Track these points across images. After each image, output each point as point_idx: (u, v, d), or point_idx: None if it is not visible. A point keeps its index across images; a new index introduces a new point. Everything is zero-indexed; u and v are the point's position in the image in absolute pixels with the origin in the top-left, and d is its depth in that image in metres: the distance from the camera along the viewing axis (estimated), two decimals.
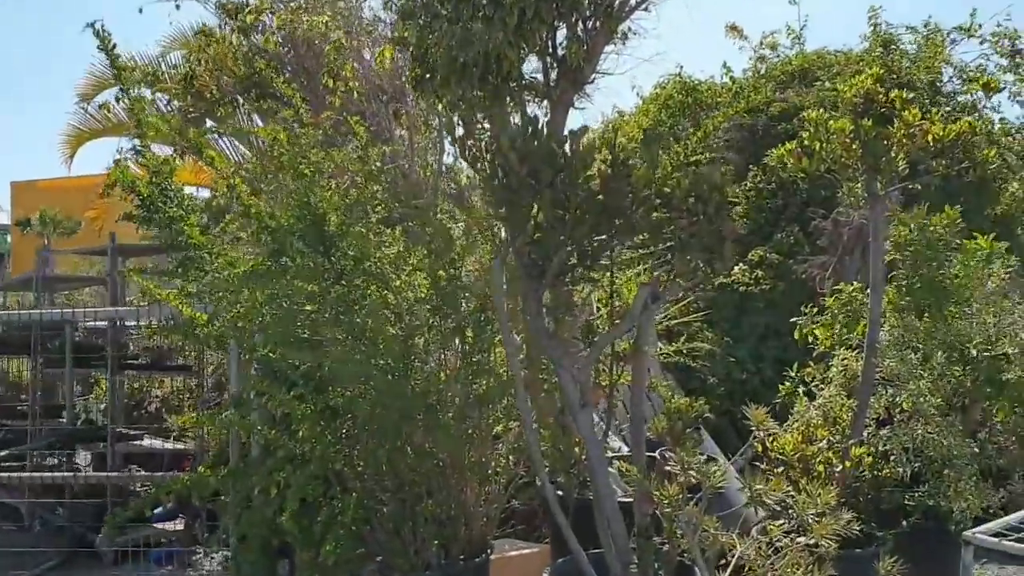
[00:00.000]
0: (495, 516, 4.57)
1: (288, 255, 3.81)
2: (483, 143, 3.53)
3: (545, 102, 4.08)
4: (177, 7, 6.51)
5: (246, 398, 4.10)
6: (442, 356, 4.23)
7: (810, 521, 3.27)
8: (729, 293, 7.85)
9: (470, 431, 4.20)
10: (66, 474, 5.32)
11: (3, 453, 7.06)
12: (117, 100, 5.01)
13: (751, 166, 8.02)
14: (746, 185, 7.98)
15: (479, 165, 3.49)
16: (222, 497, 4.46)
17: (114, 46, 4.48)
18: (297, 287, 3.79)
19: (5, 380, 8.78)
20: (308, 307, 3.90)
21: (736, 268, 8.02)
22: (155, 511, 6.58)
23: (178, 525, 6.72)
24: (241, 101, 6.42)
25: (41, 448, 6.84)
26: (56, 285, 8.87)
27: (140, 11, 6.41)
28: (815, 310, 5.27)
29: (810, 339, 5.15)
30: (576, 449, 4.41)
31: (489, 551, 4.40)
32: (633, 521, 3.55)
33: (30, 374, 7.40)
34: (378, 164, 4.50)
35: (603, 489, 3.58)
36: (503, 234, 3.68)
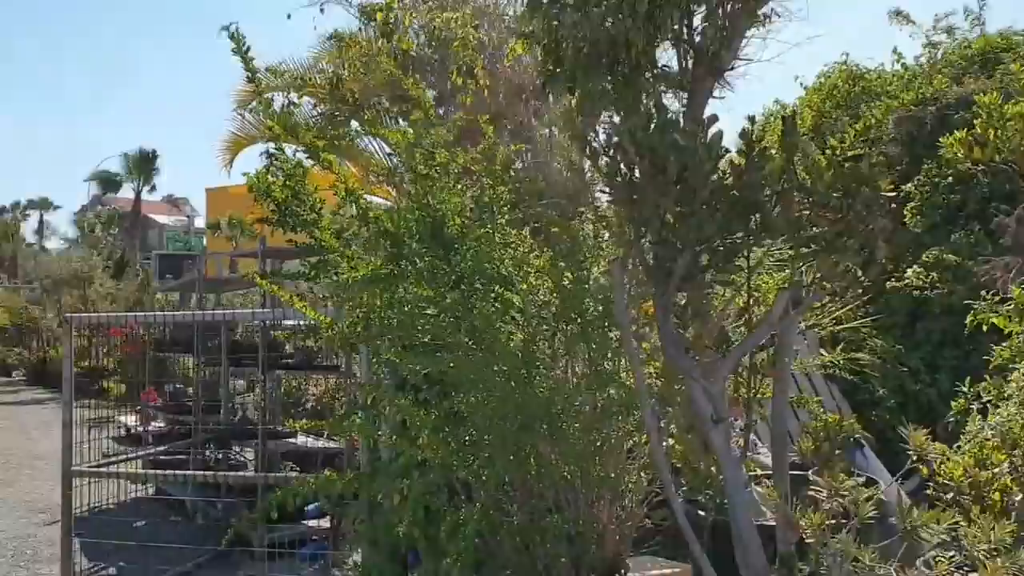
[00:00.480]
0: (629, 534, 4.32)
1: (406, 259, 3.71)
2: (606, 137, 3.30)
3: (681, 93, 3.80)
4: (321, 10, 6.64)
5: (371, 402, 4.05)
6: (568, 363, 4.02)
7: (981, 558, 2.85)
8: (902, 297, 7.22)
9: (598, 443, 3.97)
10: (221, 474, 5.47)
11: (164, 448, 7.44)
12: (251, 106, 5.08)
13: (925, 160, 7.32)
14: (918, 180, 7.29)
15: (601, 160, 3.27)
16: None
17: (247, 49, 4.53)
18: (415, 291, 3.69)
19: (179, 376, 9.29)
20: (428, 311, 3.79)
21: (910, 271, 7.38)
22: (306, 508, 6.77)
23: (325, 524, 6.88)
24: (387, 104, 6.46)
25: (200, 444, 7.18)
26: (224, 286, 9.29)
27: (288, 17, 6.58)
28: (996, 298, 4.66)
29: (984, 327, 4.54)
30: (714, 468, 4.08)
31: (624, 571, 4.15)
32: (776, 547, 3.23)
33: (193, 372, 7.79)
34: (509, 164, 4.35)
35: (739, 512, 3.27)
36: (630, 234, 3.43)
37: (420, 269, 3.75)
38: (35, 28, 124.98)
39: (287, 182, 4.58)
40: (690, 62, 3.76)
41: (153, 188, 40.35)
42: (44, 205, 75.76)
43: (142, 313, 6.75)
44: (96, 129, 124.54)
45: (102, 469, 5.34)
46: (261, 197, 4.73)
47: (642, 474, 4.18)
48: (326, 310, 4.15)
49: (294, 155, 4.70)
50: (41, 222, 75.99)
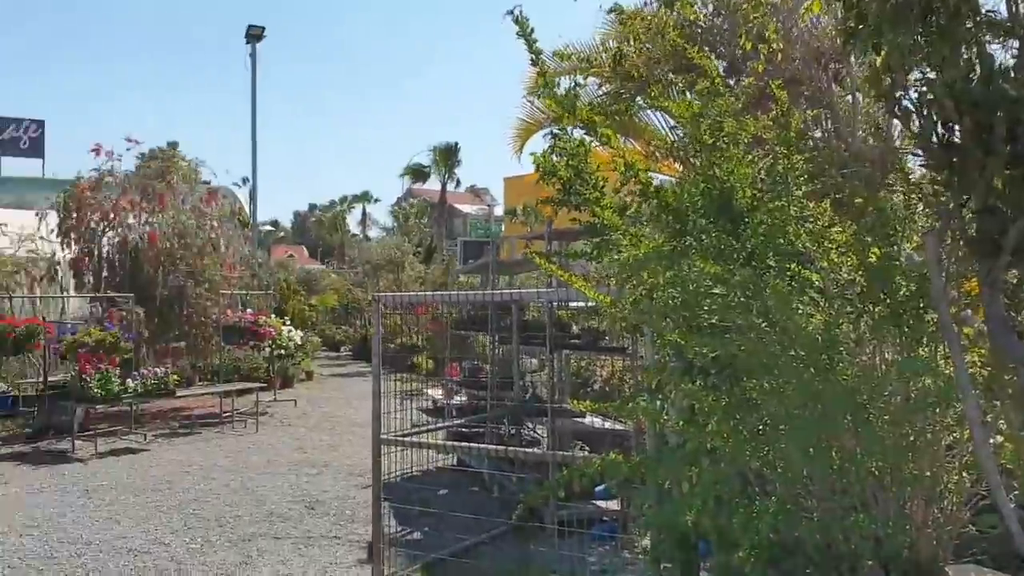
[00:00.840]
0: (949, 539, 3.83)
1: (691, 234, 3.52)
2: (919, 95, 2.91)
3: (1012, 41, 3.27)
4: None
5: (656, 385, 3.91)
6: (876, 349, 3.62)
7: None
8: None
9: (911, 438, 3.55)
10: (511, 449, 5.62)
11: (463, 421, 7.80)
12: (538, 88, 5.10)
13: None
14: None
15: (912, 121, 2.89)
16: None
17: (531, 31, 4.55)
18: (701, 269, 3.49)
19: (477, 354, 9.73)
20: (715, 290, 3.57)
21: None
22: (596, 489, 6.81)
23: (615, 505, 6.88)
24: (672, 77, 6.26)
25: (495, 419, 7.46)
26: (513, 268, 9.58)
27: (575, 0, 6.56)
28: None
29: None
30: None
31: None
32: None
33: (488, 350, 8.12)
34: (804, 131, 4.00)
35: None
36: (948, 203, 3.01)
37: (706, 245, 3.55)
38: (342, 33, 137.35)
39: (570, 161, 4.56)
40: (1021, 6, 3.23)
41: (458, 182, 42.93)
42: (366, 198, 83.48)
43: (440, 293, 7.11)
44: (409, 126, 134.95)
45: (407, 439, 5.67)
46: (547, 178, 4.76)
47: (964, 474, 3.69)
48: (607, 290, 4.07)
49: (575, 135, 4.67)
50: (364, 214, 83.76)
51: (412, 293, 8.29)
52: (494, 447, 5.66)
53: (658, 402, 4.07)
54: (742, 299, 3.54)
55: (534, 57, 4.66)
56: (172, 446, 11.21)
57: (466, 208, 63.82)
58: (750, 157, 3.91)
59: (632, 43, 6.31)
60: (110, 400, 10.83)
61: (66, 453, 10.62)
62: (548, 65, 6.49)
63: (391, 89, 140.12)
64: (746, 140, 3.99)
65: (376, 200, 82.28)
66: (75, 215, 13.51)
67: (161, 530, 7.14)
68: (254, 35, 19.31)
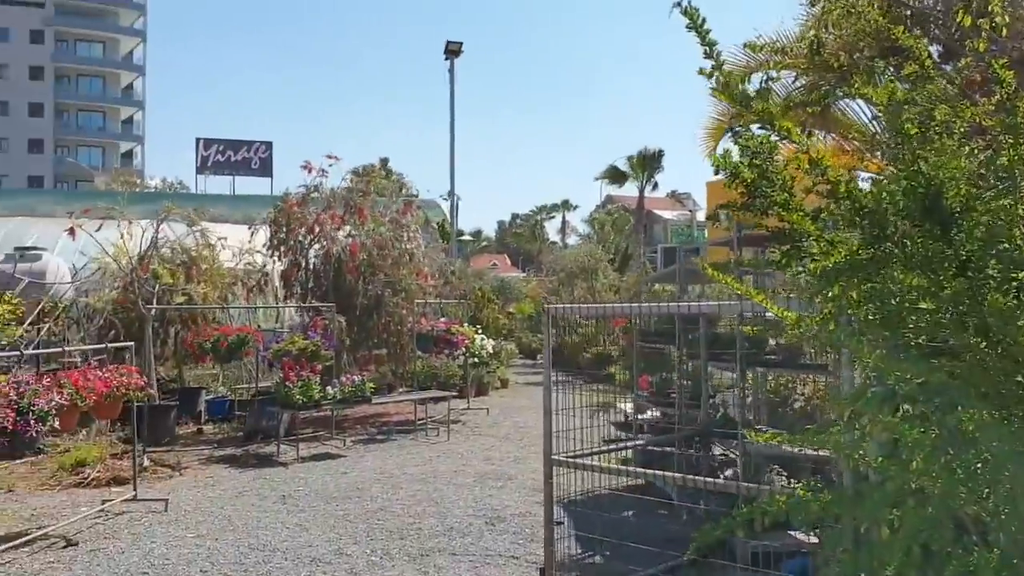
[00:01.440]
0: None
1: (891, 240, 3.01)
2: None
3: None
4: None
5: (851, 415, 3.40)
6: None
7: None
8: None
9: None
10: (689, 477, 5.20)
11: (650, 440, 7.39)
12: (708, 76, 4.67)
13: None
14: None
15: None
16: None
17: (703, 22, 4.15)
18: (903, 280, 2.98)
19: (670, 367, 9.29)
20: (922, 305, 3.04)
21: None
22: None
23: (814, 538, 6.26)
24: (878, 64, 5.62)
25: (683, 439, 7.02)
26: (704, 277, 9.06)
27: None
28: None
29: None
30: None
31: None
32: None
33: (676, 364, 7.68)
34: None
35: None
36: None
37: (910, 252, 3.02)
38: (542, 40, 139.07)
39: (754, 160, 4.11)
40: None
41: (655, 186, 42.29)
42: (565, 206, 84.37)
43: (612, 305, 6.76)
44: (613, 131, 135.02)
45: (579, 459, 5.38)
46: (730, 180, 4.35)
47: None
48: (790, 303, 3.59)
49: (760, 132, 4.22)
50: (563, 221, 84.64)
51: (583, 305, 7.98)
52: (669, 473, 5.25)
53: (855, 433, 3.56)
54: (955, 315, 2.99)
55: (707, 49, 4.26)
56: (368, 452, 11.52)
57: (667, 214, 62.86)
58: (967, 149, 3.33)
59: (831, 29, 5.72)
60: (310, 406, 11.28)
61: (272, 457, 11.15)
62: (740, 59, 5.99)
63: (593, 95, 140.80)
64: (962, 129, 3.41)
65: (575, 208, 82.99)
66: (284, 229, 14.30)
67: (345, 539, 7.24)
68: (452, 51, 19.77)
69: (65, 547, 7.02)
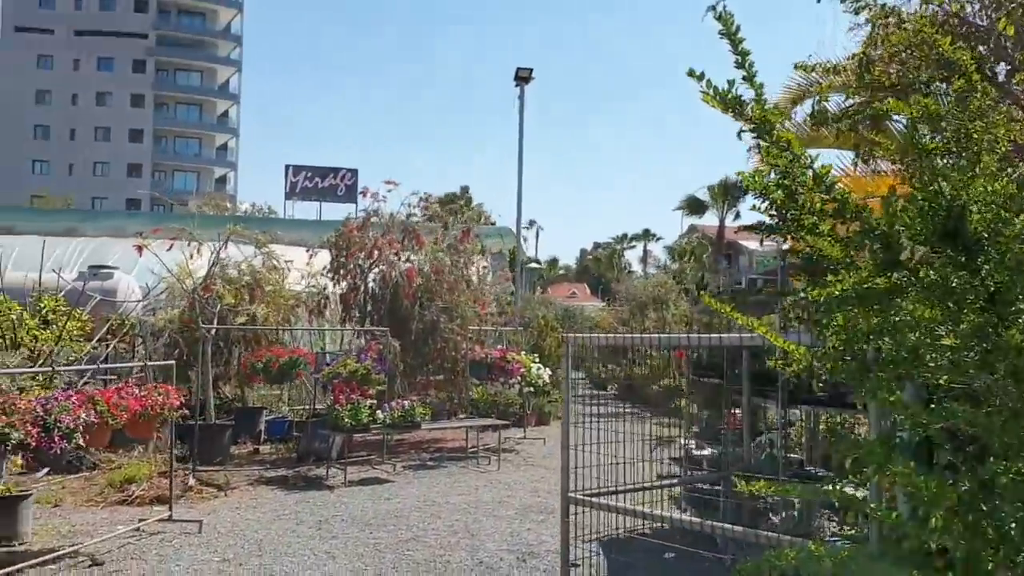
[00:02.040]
0: None
1: (905, 266, 2.66)
2: None
3: None
4: None
5: (856, 462, 3.03)
6: None
7: None
8: None
9: None
10: (707, 523, 4.83)
11: (696, 476, 6.99)
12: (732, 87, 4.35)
13: None
14: None
15: None
16: None
17: (737, 29, 3.85)
18: (920, 312, 2.62)
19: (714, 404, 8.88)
20: (945, 341, 2.67)
21: None
22: None
23: None
24: (933, 81, 5.20)
25: (725, 477, 6.60)
26: (758, 308, 8.63)
27: (818, 1, 5.70)
28: None
29: None
30: None
31: None
32: None
33: (723, 399, 7.28)
34: None
35: None
36: None
37: (927, 281, 2.66)
38: (621, 69, 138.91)
39: (782, 180, 3.78)
40: None
41: (737, 215, 41.35)
42: (647, 236, 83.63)
43: (643, 335, 6.42)
44: (696, 159, 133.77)
45: (596, 499, 5.05)
46: (759, 199, 4.03)
47: None
48: (798, 336, 3.24)
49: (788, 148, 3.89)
50: (644, 251, 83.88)
51: (604, 335, 7.60)
52: (687, 518, 4.88)
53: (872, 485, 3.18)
54: (979, 352, 2.62)
55: (739, 59, 3.95)
56: (416, 479, 11.33)
57: (751, 244, 61.53)
58: (1001, 170, 2.95)
59: (881, 46, 5.32)
60: (359, 430, 11.16)
61: (320, 480, 11.06)
62: (795, 81, 5.69)
63: (678, 124, 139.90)
64: (1004, 149, 3.03)
65: (658, 238, 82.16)
66: (344, 253, 14.35)
67: (369, 570, 7.03)
68: (522, 77, 19.69)
69: (90, 566, 7.00)
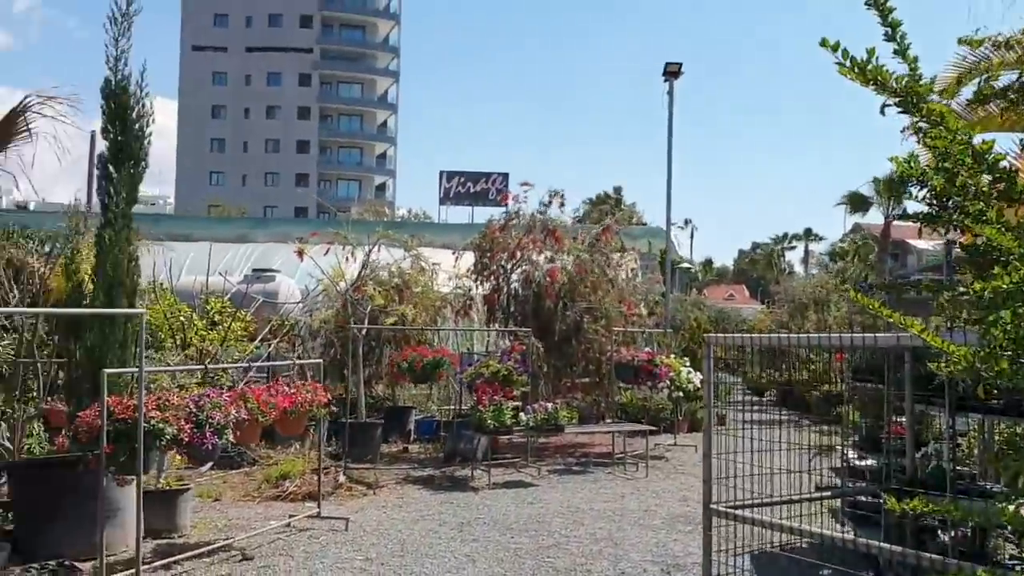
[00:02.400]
0: None
1: None
2: None
3: None
4: None
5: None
6: None
7: None
8: None
9: None
10: (849, 539, 4.40)
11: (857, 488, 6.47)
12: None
13: None
14: None
15: None
16: None
17: (885, 1, 3.47)
18: None
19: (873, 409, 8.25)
20: None
21: None
22: None
23: None
24: None
25: (890, 491, 6.06)
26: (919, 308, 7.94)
27: None
28: None
29: None
30: None
31: None
32: None
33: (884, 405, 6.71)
34: None
35: None
36: None
37: None
38: (777, 63, 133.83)
39: (941, 163, 3.38)
40: None
41: (904, 212, 38.61)
42: (808, 236, 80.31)
43: (797, 335, 5.94)
44: (863, 156, 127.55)
45: (741, 511, 4.70)
46: (917, 187, 3.64)
47: None
48: (964, 336, 2.84)
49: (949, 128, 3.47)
50: (806, 251, 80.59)
51: (747, 335, 7.03)
52: (839, 535, 4.45)
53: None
54: None
55: (888, 31, 3.56)
56: (560, 483, 11.16)
57: (921, 243, 57.87)
58: None
59: None
60: (501, 432, 11.11)
61: (466, 481, 11.09)
62: (959, 57, 5.27)
63: (838, 114, 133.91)
64: None
65: (820, 238, 78.80)
66: (487, 254, 14.38)
67: None
68: (671, 72, 19.16)
69: (240, 560, 7.21)
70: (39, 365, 9.96)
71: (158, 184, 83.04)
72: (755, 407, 22.48)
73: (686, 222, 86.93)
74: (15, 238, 11.74)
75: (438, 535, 8.23)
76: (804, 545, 7.02)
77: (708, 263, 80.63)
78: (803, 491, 6.50)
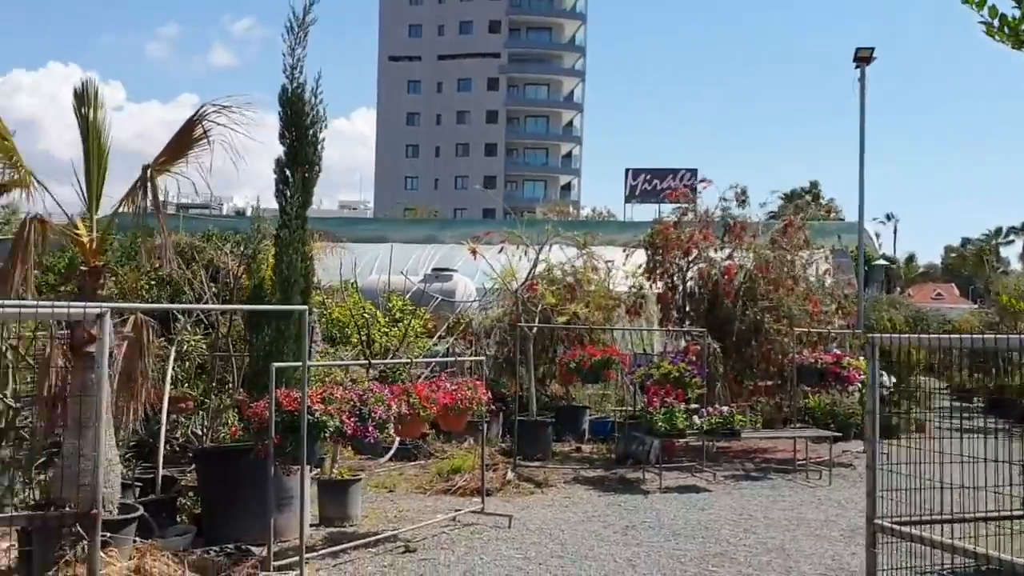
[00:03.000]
0: None
1: None
2: None
3: None
4: None
5: None
6: None
7: None
8: None
9: None
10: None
11: None
12: None
13: None
14: None
15: None
16: None
17: None
18: None
19: None
20: None
21: None
22: None
23: None
24: None
25: None
26: None
27: None
28: None
29: None
30: None
31: None
32: None
33: None
34: None
35: None
36: None
37: None
38: None
39: None
40: None
41: None
42: None
43: (980, 336, 5.28)
44: None
45: (905, 528, 4.25)
46: None
47: None
48: None
49: None
50: None
51: (918, 336, 6.19)
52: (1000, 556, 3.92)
53: None
54: None
55: None
56: (736, 490, 10.70)
57: None
58: None
59: None
60: (673, 435, 10.78)
61: (636, 483, 10.86)
62: None
63: None
64: None
65: None
66: (660, 251, 14.02)
67: None
68: (862, 58, 17.95)
69: (403, 552, 7.36)
70: (232, 359, 10.66)
71: (359, 190, 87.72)
72: (963, 414, 20.72)
73: (888, 217, 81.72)
74: (214, 241, 12.65)
75: (601, 537, 8.08)
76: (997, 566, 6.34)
77: (911, 259, 75.29)
78: (1005, 509, 5.85)
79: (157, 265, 12.23)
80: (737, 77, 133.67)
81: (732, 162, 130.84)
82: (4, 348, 9.62)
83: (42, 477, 7.23)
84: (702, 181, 14.10)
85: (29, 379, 7.82)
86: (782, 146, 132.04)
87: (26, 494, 6.83)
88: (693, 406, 11.30)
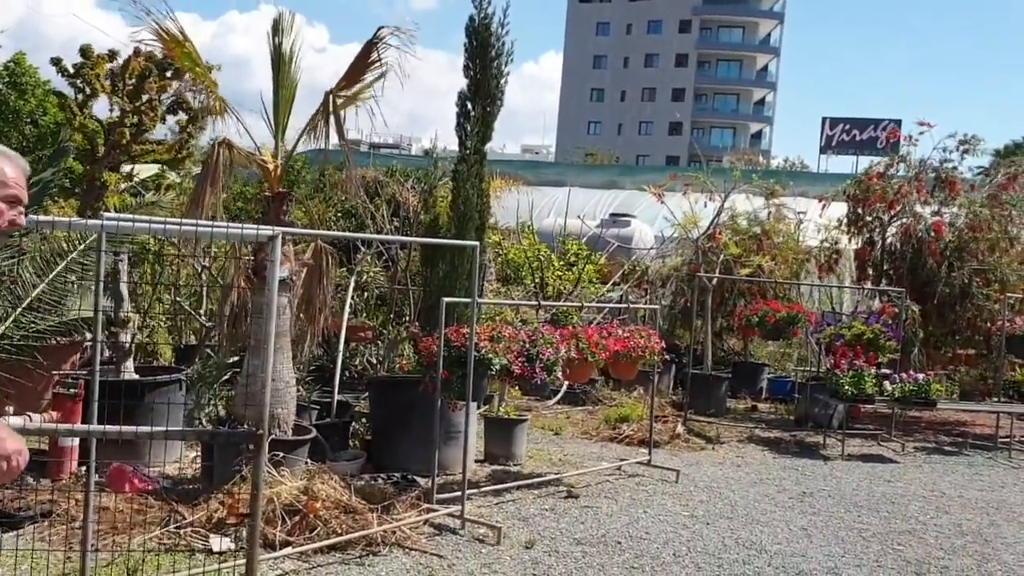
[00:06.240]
0: None
1: None
2: None
3: None
4: None
5: None
6: None
7: None
8: None
9: None
10: None
11: None
12: None
13: None
14: None
15: None
16: None
17: None
18: None
19: None
20: None
21: None
22: None
23: None
24: None
25: None
26: None
27: None
28: None
29: None
30: None
31: None
32: None
33: None
34: None
35: None
36: None
37: None
38: None
39: None
40: None
41: None
42: None
43: None
44: None
45: None
46: None
47: None
48: None
49: None
50: None
51: None
52: None
53: None
54: None
55: None
56: (927, 463, 9.87)
57: None
58: None
59: None
60: (860, 400, 10.03)
61: (816, 448, 10.25)
62: None
63: None
64: None
65: None
66: (862, 204, 12.98)
67: (847, 558, 6.16)
68: None
69: (566, 497, 7.23)
70: (410, 292, 10.85)
71: (542, 135, 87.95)
72: None
73: None
74: (397, 176, 12.85)
75: (774, 502, 7.64)
76: None
77: None
78: None
79: (343, 197, 12.60)
80: (949, 24, 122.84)
81: (940, 115, 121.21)
82: (199, 269, 10.22)
83: (229, 394, 7.61)
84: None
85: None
86: (997, 100, 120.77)
87: (211, 408, 7.19)
88: (884, 371, 10.49)
